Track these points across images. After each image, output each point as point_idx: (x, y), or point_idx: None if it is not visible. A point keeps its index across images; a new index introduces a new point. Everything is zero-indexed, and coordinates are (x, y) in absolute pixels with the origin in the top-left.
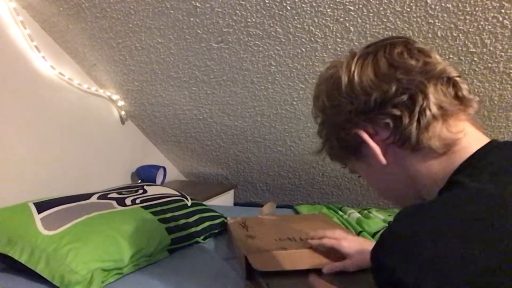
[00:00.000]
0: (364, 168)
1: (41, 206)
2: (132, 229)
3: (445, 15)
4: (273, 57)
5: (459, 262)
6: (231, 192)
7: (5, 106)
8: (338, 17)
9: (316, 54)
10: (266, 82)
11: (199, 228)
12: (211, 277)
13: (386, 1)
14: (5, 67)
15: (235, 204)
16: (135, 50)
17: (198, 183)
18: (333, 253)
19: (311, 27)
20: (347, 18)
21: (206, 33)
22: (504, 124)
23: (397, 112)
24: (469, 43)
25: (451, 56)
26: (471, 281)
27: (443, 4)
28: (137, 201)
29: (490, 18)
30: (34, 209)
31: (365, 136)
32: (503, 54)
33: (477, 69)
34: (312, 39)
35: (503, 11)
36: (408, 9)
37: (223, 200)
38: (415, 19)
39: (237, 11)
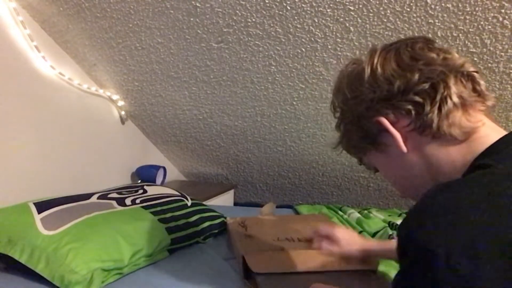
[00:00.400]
0: (382, 159)
1: (41, 206)
2: (132, 229)
3: (445, 15)
4: (273, 57)
5: (493, 233)
6: (231, 192)
7: (5, 106)
8: (338, 17)
9: (316, 54)
10: (266, 82)
11: (199, 228)
12: (211, 277)
13: (386, 1)
14: (5, 67)
15: (235, 204)
16: (135, 50)
17: (198, 183)
18: (331, 254)
19: (311, 27)
20: (347, 18)
21: (206, 33)
22: (504, 124)
23: (419, 99)
24: (469, 43)
25: None
26: (503, 253)
27: (443, 4)
28: (137, 201)
29: (490, 18)
30: (34, 209)
31: (386, 123)
32: (503, 54)
33: None
34: (312, 39)
35: (503, 11)
36: (408, 9)
37: (223, 200)
38: (415, 19)
39: (237, 11)
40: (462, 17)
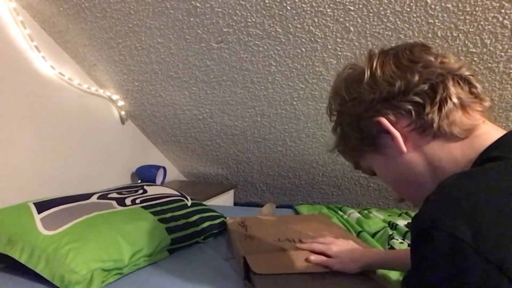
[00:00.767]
0: (381, 160)
1: (41, 206)
2: (132, 229)
3: (445, 15)
4: (273, 57)
5: None
6: (231, 192)
7: (5, 106)
8: (338, 17)
9: (316, 54)
10: (266, 82)
11: (199, 228)
12: (211, 277)
13: (386, 1)
14: (5, 67)
15: (235, 204)
16: (135, 50)
17: (198, 183)
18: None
19: (311, 27)
20: (347, 18)
21: (206, 33)
22: (504, 124)
23: (419, 99)
24: (469, 43)
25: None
26: None
27: (443, 4)
28: (137, 201)
29: (490, 18)
30: (34, 209)
31: (386, 123)
32: (503, 54)
33: (477, 69)
34: (312, 39)
35: (503, 11)
36: (408, 9)
37: (223, 200)
38: (415, 19)
39: (237, 11)
40: (462, 17)
